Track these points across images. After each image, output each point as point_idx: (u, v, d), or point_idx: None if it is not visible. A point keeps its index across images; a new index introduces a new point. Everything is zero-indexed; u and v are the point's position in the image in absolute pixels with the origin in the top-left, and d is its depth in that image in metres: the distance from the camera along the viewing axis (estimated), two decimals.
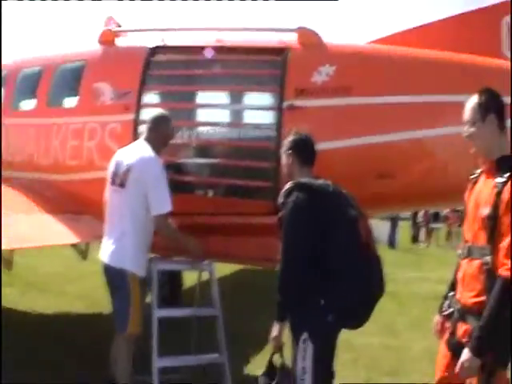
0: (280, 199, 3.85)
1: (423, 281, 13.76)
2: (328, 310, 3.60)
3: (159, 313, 4.71)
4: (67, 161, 5.96)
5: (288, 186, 3.82)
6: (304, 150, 4.03)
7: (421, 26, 5.49)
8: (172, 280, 7.57)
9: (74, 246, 6.49)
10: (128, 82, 5.63)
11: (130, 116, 5.47)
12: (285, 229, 3.68)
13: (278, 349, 3.71)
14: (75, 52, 6.57)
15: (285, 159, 4.06)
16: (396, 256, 18.78)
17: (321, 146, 4.49)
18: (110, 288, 4.66)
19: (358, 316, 3.76)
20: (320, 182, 3.81)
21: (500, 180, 2.99)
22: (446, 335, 3.29)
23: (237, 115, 6.08)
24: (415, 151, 4.92)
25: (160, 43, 5.74)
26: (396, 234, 23.17)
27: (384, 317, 8.87)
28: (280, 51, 5.27)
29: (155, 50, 5.70)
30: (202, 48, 5.43)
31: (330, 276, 3.60)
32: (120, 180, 4.52)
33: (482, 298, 2.99)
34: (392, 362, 6.66)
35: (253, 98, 5.79)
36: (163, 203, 4.46)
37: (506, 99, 3.83)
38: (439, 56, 5.15)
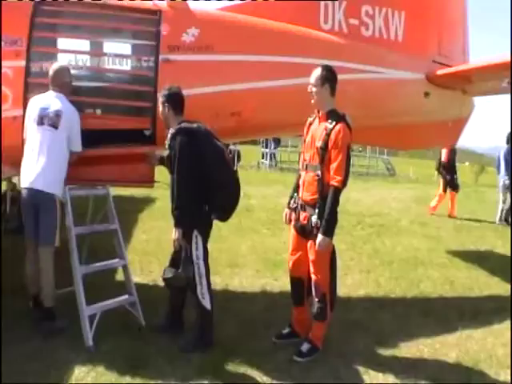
0: (167, 142, 5.35)
1: None
2: (210, 212, 5.25)
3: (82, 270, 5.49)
4: None
5: (172, 131, 5.31)
6: (177, 101, 5.53)
7: (261, 1, 7.06)
8: None
9: None
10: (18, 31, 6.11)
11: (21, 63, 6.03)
12: (175, 164, 5.14)
13: (179, 247, 5.25)
14: None
15: (161, 109, 5.53)
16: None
17: (189, 91, 6.03)
18: (32, 211, 5.36)
19: (229, 213, 5.44)
20: (195, 125, 5.34)
21: (329, 126, 4.87)
22: (293, 222, 5.17)
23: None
24: (256, 96, 6.52)
25: None
26: None
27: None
28: (154, 13, 6.41)
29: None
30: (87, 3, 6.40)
31: (210, 191, 5.22)
32: (52, 122, 5.41)
33: (315, 196, 5.00)
34: (227, 259, 8.51)
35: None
36: (78, 144, 5.58)
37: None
38: (276, 26, 6.77)
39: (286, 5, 6.96)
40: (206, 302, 5.28)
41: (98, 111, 6.30)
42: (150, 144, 6.07)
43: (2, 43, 6.11)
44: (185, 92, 5.75)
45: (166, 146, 5.37)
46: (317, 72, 5.13)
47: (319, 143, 4.96)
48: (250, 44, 6.55)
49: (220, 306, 5.94)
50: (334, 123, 4.95)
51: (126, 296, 5.75)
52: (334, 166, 4.87)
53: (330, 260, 5.12)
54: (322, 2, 6.94)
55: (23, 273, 5.47)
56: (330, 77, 5.11)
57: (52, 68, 5.75)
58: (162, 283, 5.74)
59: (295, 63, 6.59)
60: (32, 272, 5.45)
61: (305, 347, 5.16)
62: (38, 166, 5.32)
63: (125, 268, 5.92)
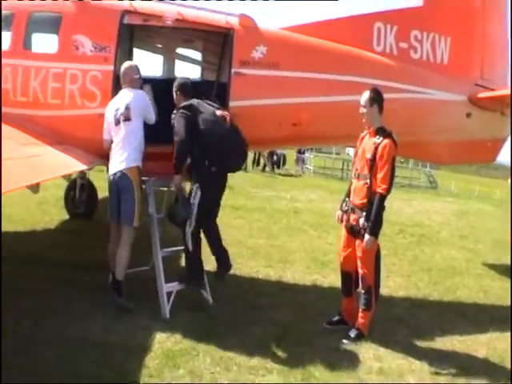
0: (172, 115, 6.25)
1: (279, 198, 16.61)
2: (211, 165, 6.10)
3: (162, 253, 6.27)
4: (49, 99, 7.12)
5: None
6: (185, 88, 6.47)
7: (320, 21, 7.86)
8: None
9: None
10: (106, 39, 7.04)
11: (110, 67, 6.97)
12: (175, 128, 6.10)
13: (180, 190, 6.19)
14: (46, 2, 7.55)
15: (175, 97, 6.43)
16: (248, 177, 21.69)
17: (256, 102, 6.92)
18: (115, 194, 6.11)
19: (232, 162, 6.29)
20: (191, 101, 6.24)
21: (377, 141, 5.69)
22: (344, 222, 5.96)
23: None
24: (314, 109, 7.26)
25: (130, 8, 7.19)
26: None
27: (261, 226, 11.55)
28: (227, 30, 7.22)
29: (126, 13, 7.14)
30: (166, 17, 7.16)
31: (208, 148, 6.08)
32: (124, 117, 6.15)
33: (364, 201, 5.80)
34: (279, 255, 9.25)
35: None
36: (153, 117, 6.39)
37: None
38: (333, 46, 7.49)
39: (342, 27, 7.68)
40: (189, 243, 6.13)
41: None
42: None
43: (93, 48, 7.07)
44: (253, 103, 6.64)
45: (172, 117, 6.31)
46: (366, 94, 5.98)
47: (369, 155, 5.80)
48: (310, 62, 7.29)
49: (276, 293, 6.75)
50: (381, 139, 5.79)
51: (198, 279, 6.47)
52: (380, 175, 5.69)
53: (375, 257, 5.91)
54: (376, 26, 7.63)
55: (96, 250, 6.28)
56: (377, 98, 5.97)
57: (123, 66, 6.54)
58: None
59: (350, 81, 7.30)
60: (113, 250, 6.17)
61: (352, 333, 5.88)
62: (119, 156, 6.14)
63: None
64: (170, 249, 6.59)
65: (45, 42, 7.99)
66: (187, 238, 6.15)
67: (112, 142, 6.29)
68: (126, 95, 6.33)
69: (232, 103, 6.95)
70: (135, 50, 8.84)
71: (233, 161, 6.30)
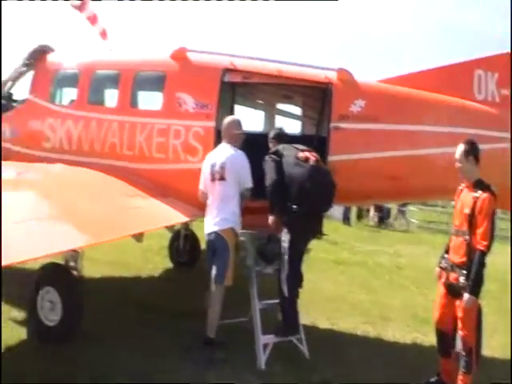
0: (264, 160, 6.38)
1: (382, 253, 16.27)
2: (292, 205, 6.07)
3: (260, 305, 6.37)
4: (153, 153, 7.54)
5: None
6: (280, 136, 6.74)
7: (417, 72, 7.67)
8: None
9: None
10: (208, 96, 7.38)
11: (211, 123, 7.28)
12: (266, 173, 6.23)
13: (274, 229, 6.27)
14: (150, 61, 8.16)
15: (270, 145, 6.66)
16: (353, 231, 21.45)
17: (354, 156, 6.87)
18: (211, 251, 6.22)
19: (314, 202, 6.14)
20: (278, 146, 6.49)
21: (476, 194, 5.47)
22: (443, 279, 5.72)
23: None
24: (413, 162, 7.11)
25: (230, 66, 7.52)
26: (350, 211, 25.53)
27: (362, 281, 11.34)
28: (326, 84, 7.33)
29: (227, 71, 7.48)
30: (268, 74, 7.45)
31: (289, 188, 6.12)
32: (219, 175, 6.26)
33: (464, 259, 5.50)
34: (379, 311, 9.00)
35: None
36: (248, 181, 6.33)
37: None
38: (433, 97, 7.36)
39: (441, 76, 7.51)
40: (285, 288, 6.06)
41: None
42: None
43: (195, 106, 7.43)
44: (351, 157, 6.63)
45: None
46: (460, 148, 5.73)
47: (467, 210, 5.52)
48: (409, 114, 7.21)
49: (373, 351, 6.60)
50: (480, 192, 5.50)
51: None
52: (480, 231, 5.38)
53: (476, 318, 5.55)
54: (476, 74, 7.42)
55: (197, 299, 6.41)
56: (472, 150, 5.69)
57: (224, 120, 6.71)
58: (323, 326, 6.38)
59: (451, 132, 7.08)
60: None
61: None
62: (214, 216, 6.24)
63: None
64: (267, 301, 6.58)
65: (149, 99, 8.47)
66: (282, 284, 6.14)
67: (207, 194, 6.42)
68: (223, 152, 6.40)
69: (331, 158, 6.99)
70: (236, 106, 9.12)
71: (314, 201, 6.17)
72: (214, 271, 6.19)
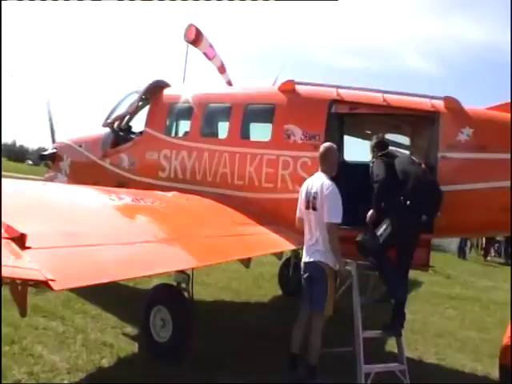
0: (370, 164, 6.81)
1: (497, 289, 15.58)
2: (405, 199, 6.34)
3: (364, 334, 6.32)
4: (263, 183, 7.80)
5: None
6: (381, 143, 6.98)
7: None
8: None
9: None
10: (316, 127, 7.59)
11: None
12: (375, 172, 6.59)
13: (370, 223, 6.52)
14: (260, 94, 8.56)
15: (371, 153, 6.98)
16: (469, 266, 20.72)
17: (463, 186, 6.83)
18: (309, 279, 6.15)
19: (425, 200, 6.39)
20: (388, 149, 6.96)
21: None
22: None
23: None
24: None
25: (337, 97, 7.72)
26: (467, 246, 24.64)
27: (475, 317, 10.95)
28: (433, 113, 7.30)
29: (334, 102, 7.68)
30: (374, 104, 7.56)
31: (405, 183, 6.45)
32: (312, 205, 6.14)
33: None
34: (490, 349, 8.60)
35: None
36: (334, 215, 5.94)
37: None
38: None
39: None
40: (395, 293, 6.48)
41: None
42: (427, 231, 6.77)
43: (303, 137, 7.66)
44: (460, 187, 6.59)
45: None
46: None
47: None
48: None
49: None
50: None
51: (397, 364, 6.44)
52: None
53: None
54: None
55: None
56: None
57: (321, 147, 6.60)
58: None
59: None
60: (297, 334, 6.23)
61: None
62: (311, 245, 6.20)
63: (398, 339, 6.59)
64: (372, 331, 6.57)
65: (259, 131, 8.74)
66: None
67: (303, 221, 6.36)
68: (318, 181, 6.24)
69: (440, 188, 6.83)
70: (345, 137, 9.25)
71: (425, 199, 6.35)
72: (312, 301, 6.18)
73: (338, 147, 7.02)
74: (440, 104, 7.36)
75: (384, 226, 6.33)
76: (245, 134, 8.46)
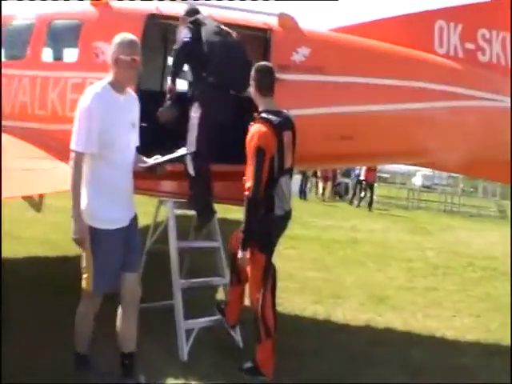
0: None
1: (337, 228, 15.55)
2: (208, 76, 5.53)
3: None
4: (67, 112, 6.40)
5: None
6: (190, 12, 5.91)
7: (372, 21, 6.88)
8: None
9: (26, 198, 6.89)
10: None
11: None
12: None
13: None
14: (68, 9, 7.13)
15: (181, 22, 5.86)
16: (309, 206, 20.76)
17: (298, 111, 5.87)
18: None
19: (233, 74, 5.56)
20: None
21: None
22: None
23: None
24: (369, 120, 6.24)
25: (156, 11, 6.54)
26: (306, 186, 24.88)
27: (315, 257, 10.55)
28: (265, 31, 6.38)
29: (152, 17, 6.50)
30: None
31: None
32: None
33: None
34: (332, 289, 8.15)
35: None
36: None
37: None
38: (389, 48, 6.50)
39: (399, 27, 6.70)
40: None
41: None
42: None
43: None
44: (295, 112, 5.58)
45: None
46: None
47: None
48: (362, 66, 6.32)
49: (322, 336, 5.77)
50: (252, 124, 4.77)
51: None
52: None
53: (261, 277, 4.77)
54: (437, 25, 6.60)
55: None
56: (253, 74, 4.96)
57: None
58: None
59: (410, 87, 6.29)
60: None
61: None
62: None
63: (225, 287, 5.73)
64: (192, 280, 5.66)
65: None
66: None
67: None
68: None
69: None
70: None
71: (233, 72, 5.51)
72: None
73: None
74: (274, 21, 6.45)
75: (193, 112, 5.48)
76: (47, 55, 7.10)
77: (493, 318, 7.56)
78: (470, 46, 6.67)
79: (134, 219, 4.32)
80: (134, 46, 4.17)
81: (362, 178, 23.85)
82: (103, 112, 4.03)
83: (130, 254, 4.18)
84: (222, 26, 5.70)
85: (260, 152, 4.53)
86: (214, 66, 5.46)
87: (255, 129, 4.62)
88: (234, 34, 5.71)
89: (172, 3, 6.83)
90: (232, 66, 5.52)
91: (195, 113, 5.47)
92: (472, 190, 32.28)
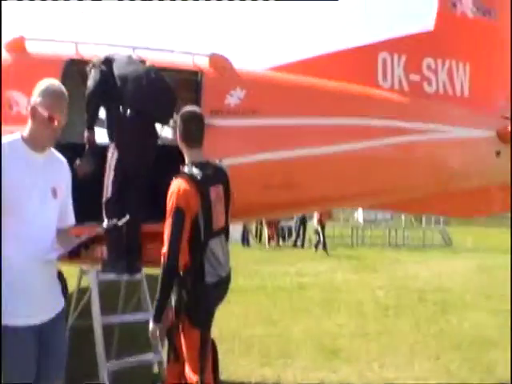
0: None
1: (284, 274, 14.97)
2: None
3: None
4: None
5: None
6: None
7: (314, 57, 6.57)
8: None
9: None
10: None
11: None
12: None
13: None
14: None
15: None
16: (253, 253, 20.21)
17: (233, 160, 5.37)
18: None
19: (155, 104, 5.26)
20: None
21: None
22: None
23: None
24: (311, 164, 5.86)
25: (75, 56, 6.03)
26: (249, 232, 24.35)
27: (260, 310, 9.98)
28: (195, 74, 5.93)
29: (71, 62, 5.98)
30: None
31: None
32: None
33: None
34: (280, 346, 7.56)
35: None
36: None
37: None
38: (330, 85, 6.21)
39: (340, 62, 6.45)
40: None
41: None
42: None
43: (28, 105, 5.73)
44: (229, 161, 5.04)
45: None
46: None
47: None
48: (302, 106, 5.99)
49: None
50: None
51: None
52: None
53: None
54: (380, 58, 6.39)
55: None
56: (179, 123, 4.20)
57: None
58: None
59: (353, 125, 6.00)
60: None
61: None
62: None
63: (160, 364, 5.09)
64: (122, 360, 5.00)
65: None
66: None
67: None
68: None
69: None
70: None
71: (151, 98, 5.17)
72: None
73: None
74: (205, 62, 6.06)
75: (110, 155, 5.11)
76: None
77: (452, 358, 7.19)
78: (415, 77, 6.53)
79: (61, 312, 3.33)
80: (56, 99, 3.21)
81: (314, 220, 23.48)
82: (7, 168, 3.05)
83: (48, 357, 3.18)
84: (134, 55, 5.42)
85: (178, 213, 3.80)
86: (130, 97, 5.11)
87: (174, 186, 3.86)
88: (148, 62, 5.41)
89: (94, 46, 6.28)
90: (149, 93, 5.17)
91: (112, 155, 5.08)
92: (415, 219, 32.46)
